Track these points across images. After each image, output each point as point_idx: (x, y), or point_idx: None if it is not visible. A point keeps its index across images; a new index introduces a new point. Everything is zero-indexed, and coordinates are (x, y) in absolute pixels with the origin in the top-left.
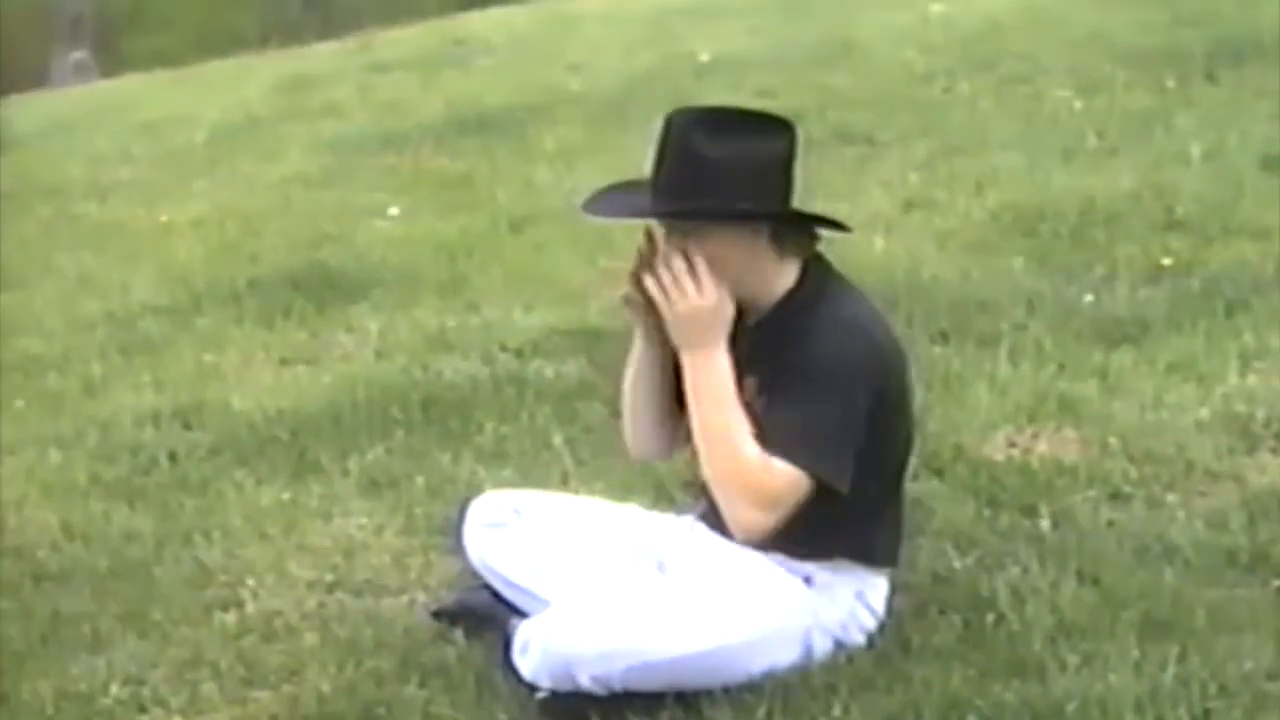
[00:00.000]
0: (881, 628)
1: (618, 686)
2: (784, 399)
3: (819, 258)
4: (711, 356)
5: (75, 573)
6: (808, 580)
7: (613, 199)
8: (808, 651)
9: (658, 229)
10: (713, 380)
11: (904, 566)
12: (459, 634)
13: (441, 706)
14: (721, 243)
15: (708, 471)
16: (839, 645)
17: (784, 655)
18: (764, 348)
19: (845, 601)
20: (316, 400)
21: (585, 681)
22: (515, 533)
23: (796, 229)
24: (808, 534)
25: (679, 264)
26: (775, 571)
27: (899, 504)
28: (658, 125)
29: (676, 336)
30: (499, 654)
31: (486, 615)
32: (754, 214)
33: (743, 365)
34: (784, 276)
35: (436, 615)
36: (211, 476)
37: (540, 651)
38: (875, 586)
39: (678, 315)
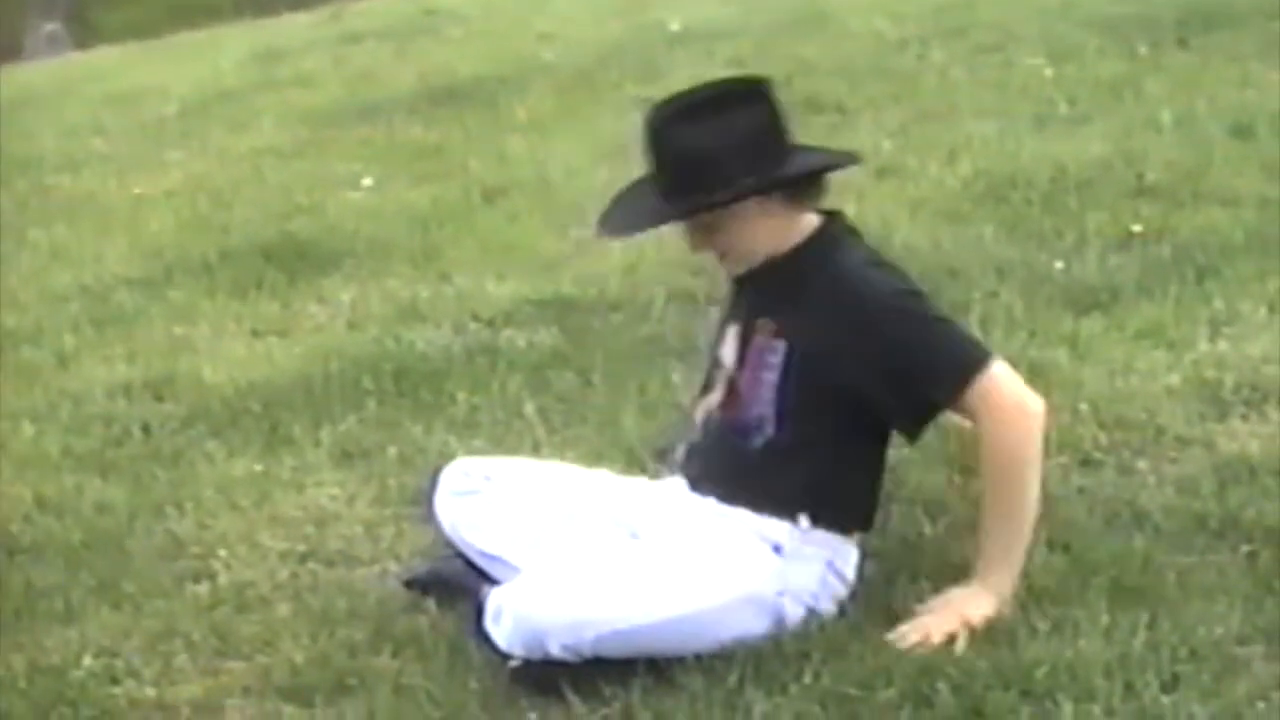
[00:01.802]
0: (853, 594)
1: (589, 653)
2: (897, 352)
3: (838, 213)
4: (1013, 573)
5: (48, 546)
6: (777, 549)
7: (625, 211)
8: (779, 619)
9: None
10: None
11: (875, 533)
12: (431, 604)
13: (414, 676)
14: (740, 220)
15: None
16: (811, 613)
17: (755, 623)
18: (784, 290)
19: (816, 570)
20: (288, 371)
21: (556, 650)
22: (486, 500)
23: (805, 181)
24: (787, 490)
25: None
26: (746, 539)
27: (881, 467)
28: (627, 95)
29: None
30: (471, 623)
31: (458, 584)
32: (765, 186)
33: (756, 307)
34: (800, 227)
35: (408, 584)
36: (184, 448)
37: (512, 619)
38: (845, 555)
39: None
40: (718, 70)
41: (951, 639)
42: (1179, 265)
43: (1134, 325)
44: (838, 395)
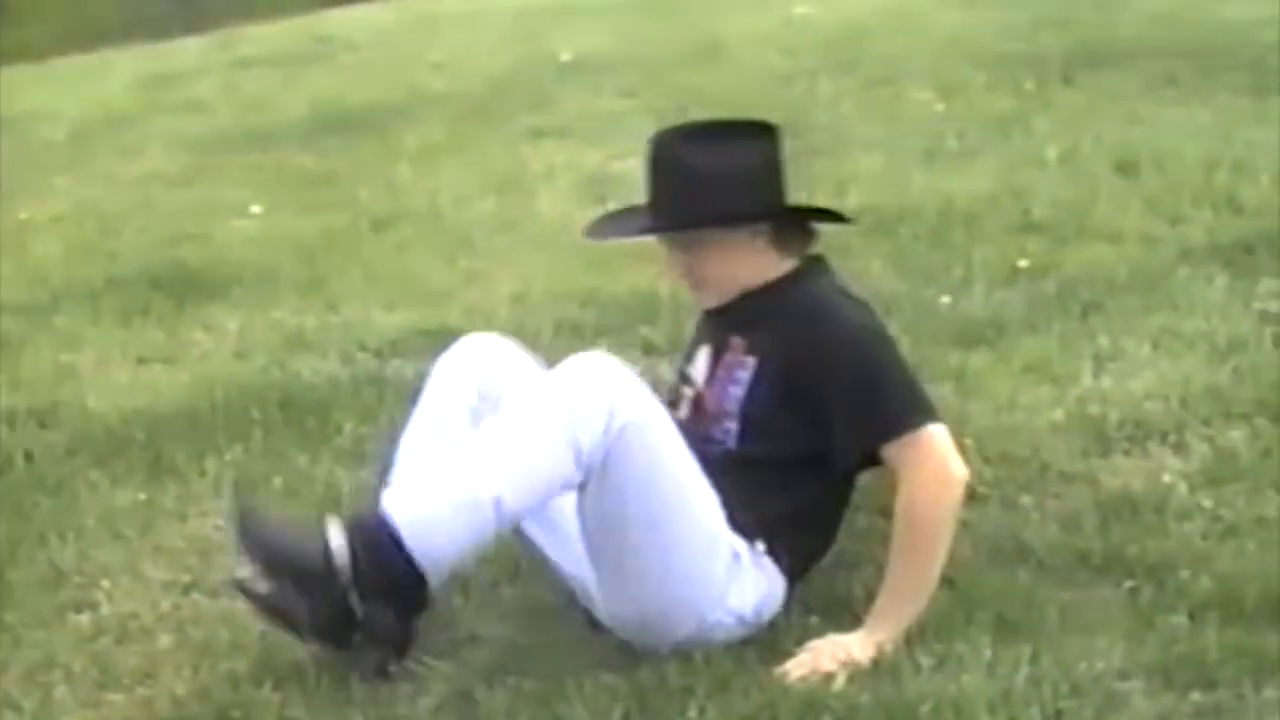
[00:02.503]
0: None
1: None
2: (846, 384)
3: (820, 258)
4: (900, 628)
5: None
6: (736, 556)
7: (613, 222)
8: (710, 610)
9: (659, 245)
10: (910, 612)
11: None
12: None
13: (296, 709)
14: (722, 249)
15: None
16: (699, 631)
17: (709, 559)
18: (757, 314)
19: (752, 594)
20: (174, 400)
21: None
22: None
23: (796, 227)
24: (743, 511)
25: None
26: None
27: (835, 522)
28: (518, 125)
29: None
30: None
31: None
32: (746, 216)
33: (730, 328)
34: (781, 267)
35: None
36: (67, 477)
37: None
38: (776, 596)
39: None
40: (609, 101)
41: (833, 675)
42: (1064, 301)
43: (1019, 360)
44: (799, 420)
